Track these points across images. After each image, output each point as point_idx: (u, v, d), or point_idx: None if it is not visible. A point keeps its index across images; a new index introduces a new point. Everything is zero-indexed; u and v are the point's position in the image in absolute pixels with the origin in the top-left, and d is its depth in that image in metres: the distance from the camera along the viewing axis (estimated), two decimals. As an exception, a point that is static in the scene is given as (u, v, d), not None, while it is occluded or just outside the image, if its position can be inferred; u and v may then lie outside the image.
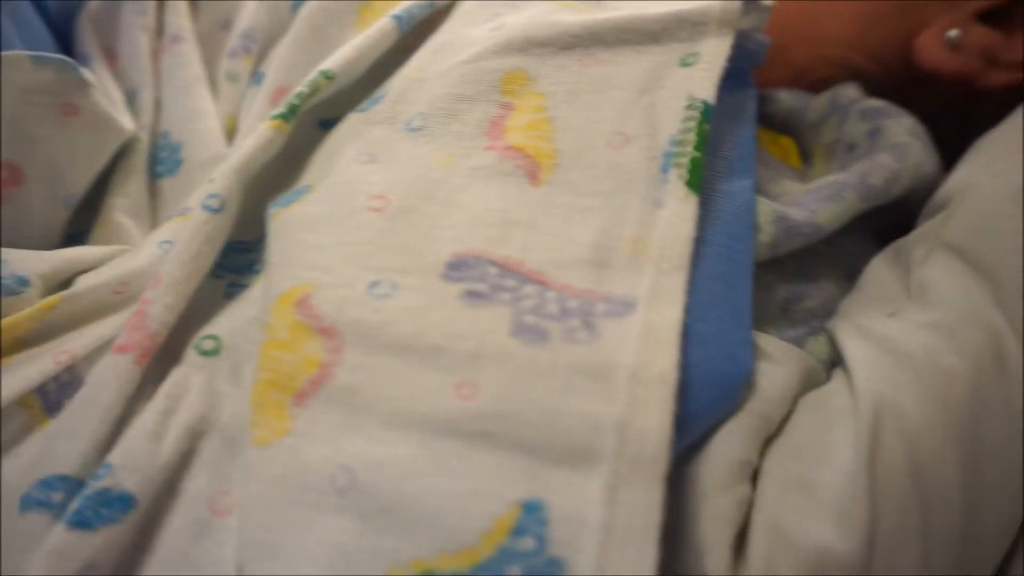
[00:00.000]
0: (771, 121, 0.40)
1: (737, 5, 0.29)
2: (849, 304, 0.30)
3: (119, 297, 0.29)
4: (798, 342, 0.29)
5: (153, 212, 0.37)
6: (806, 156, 0.39)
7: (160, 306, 0.26)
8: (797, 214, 0.29)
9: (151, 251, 0.31)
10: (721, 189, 0.28)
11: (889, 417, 0.24)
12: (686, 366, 0.23)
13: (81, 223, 0.36)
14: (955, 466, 0.24)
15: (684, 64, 0.29)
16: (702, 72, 0.28)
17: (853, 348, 0.27)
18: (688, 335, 0.23)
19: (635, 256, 0.25)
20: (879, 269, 0.31)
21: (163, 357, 0.26)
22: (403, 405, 0.23)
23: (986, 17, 0.37)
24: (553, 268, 0.25)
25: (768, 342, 0.27)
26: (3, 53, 0.31)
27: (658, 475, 0.20)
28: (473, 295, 0.24)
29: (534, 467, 0.21)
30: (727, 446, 0.24)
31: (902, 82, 0.39)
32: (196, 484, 0.24)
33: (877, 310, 0.28)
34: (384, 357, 0.23)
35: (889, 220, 0.34)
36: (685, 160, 0.27)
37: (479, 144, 0.29)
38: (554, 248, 0.26)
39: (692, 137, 0.27)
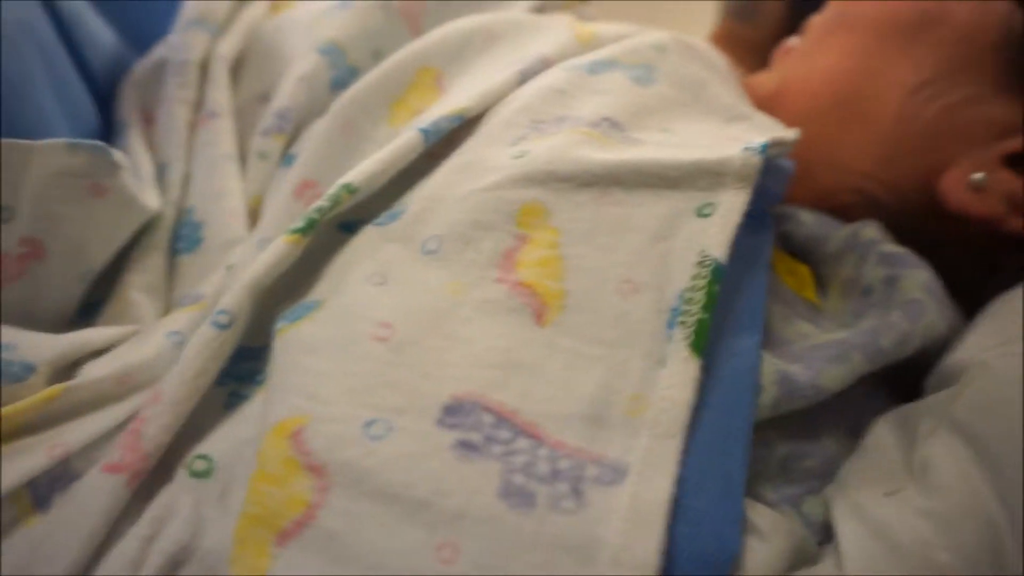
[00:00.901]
0: (791, 241, 0.40)
1: (756, 161, 0.29)
2: (849, 470, 0.29)
3: (122, 388, 0.30)
4: (795, 501, 0.29)
5: (169, 287, 0.37)
6: (822, 284, 0.39)
7: (156, 426, 0.26)
8: (800, 375, 0.29)
9: (158, 341, 0.31)
10: (726, 347, 0.28)
11: None
12: (672, 543, 0.23)
13: (96, 293, 0.37)
14: None
15: (700, 214, 0.29)
16: (716, 227, 0.28)
17: (847, 530, 0.26)
18: (677, 509, 0.23)
19: (632, 416, 0.25)
20: (883, 435, 0.30)
21: (154, 473, 0.26)
22: (382, 560, 0.22)
23: (1013, 161, 0.37)
24: (549, 421, 0.25)
25: (758, 513, 0.27)
26: (41, 142, 0.31)
27: None
28: (466, 446, 0.24)
29: None
30: None
31: (920, 217, 0.39)
32: None
33: (876, 486, 0.28)
34: (370, 505, 0.23)
35: (899, 371, 0.34)
36: (691, 320, 0.27)
37: (490, 275, 0.29)
38: (552, 399, 0.26)
39: (701, 297, 0.27)
